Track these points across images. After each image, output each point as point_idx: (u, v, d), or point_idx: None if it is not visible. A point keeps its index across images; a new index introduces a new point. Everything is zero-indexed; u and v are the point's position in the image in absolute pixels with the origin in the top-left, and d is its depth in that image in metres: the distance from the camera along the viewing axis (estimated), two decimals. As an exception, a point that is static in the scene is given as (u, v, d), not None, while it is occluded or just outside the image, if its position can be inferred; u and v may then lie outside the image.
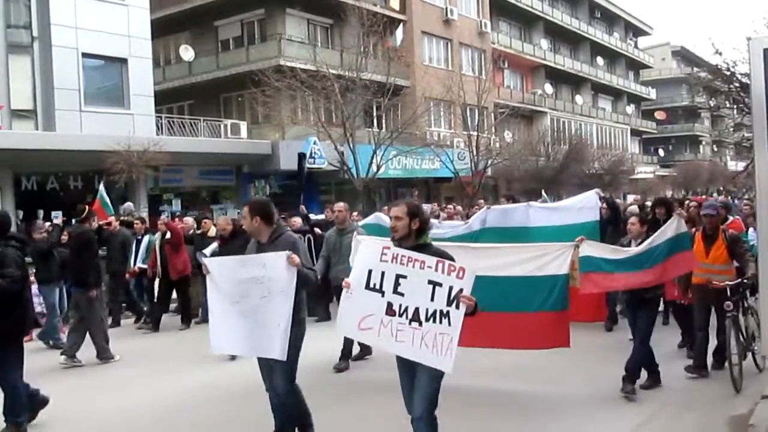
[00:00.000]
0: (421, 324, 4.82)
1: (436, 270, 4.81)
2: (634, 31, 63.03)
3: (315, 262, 10.25)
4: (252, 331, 5.56)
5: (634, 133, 60.03)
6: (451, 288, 4.74)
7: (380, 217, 11.43)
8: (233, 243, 9.93)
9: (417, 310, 4.84)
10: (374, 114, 27.75)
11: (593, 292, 7.48)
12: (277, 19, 28.77)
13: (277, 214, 5.93)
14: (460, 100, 28.29)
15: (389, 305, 4.94)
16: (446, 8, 35.27)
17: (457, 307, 4.72)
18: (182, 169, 24.05)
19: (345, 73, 23.89)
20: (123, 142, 18.88)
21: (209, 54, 30.06)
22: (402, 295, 4.92)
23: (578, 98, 50.12)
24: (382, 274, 4.96)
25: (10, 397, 6.47)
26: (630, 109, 60.31)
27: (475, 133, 28.26)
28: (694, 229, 8.27)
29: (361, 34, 24.86)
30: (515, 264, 7.18)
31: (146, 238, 13.18)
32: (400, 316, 4.90)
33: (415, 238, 4.98)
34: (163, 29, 28.36)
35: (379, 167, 23.97)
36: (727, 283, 7.68)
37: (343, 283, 5.14)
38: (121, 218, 14.54)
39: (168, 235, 12.41)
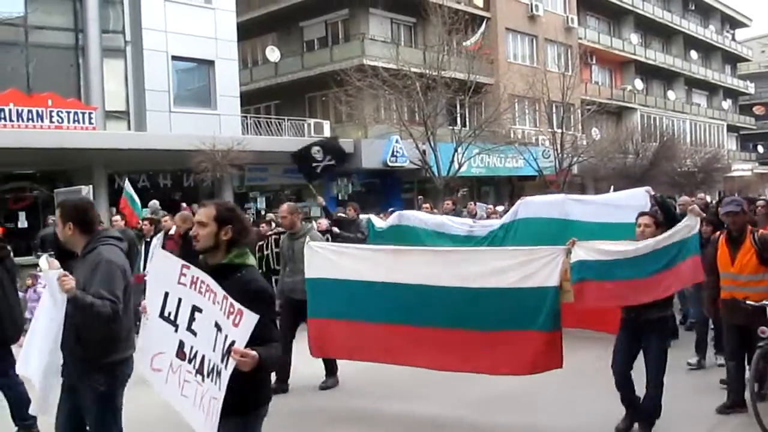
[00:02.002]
0: (203, 380, 3.55)
1: (221, 309, 3.44)
2: (731, 23, 60.64)
3: None
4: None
5: (731, 129, 57.75)
6: (226, 337, 3.40)
7: (404, 217, 11.17)
8: (188, 242, 9.31)
9: (203, 359, 3.56)
10: (457, 112, 27.63)
11: (595, 305, 6.26)
12: (361, 19, 29.02)
13: (99, 219, 4.58)
14: (545, 97, 27.89)
15: (180, 345, 3.68)
16: (531, 4, 34.81)
17: (227, 365, 3.36)
18: (267, 167, 24.55)
19: (426, 71, 23.89)
20: (208, 142, 19.41)
21: (295, 54, 30.59)
22: (195, 334, 3.62)
23: (670, 94, 48.64)
24: (179, 301, 3.68)
25: (18, 400, 6.38)
26: (726, 104, 58.06)
27: (560, 131, 27.81)
28: (719, 233, 6.91)
29: (444, 32, 24.80)
30: (494, 273, 6.01)
31: (155, 240, 11.75)
32: (190, 362, 3.63)
33: (224, 253, 3.68)
34: (250, 31, 29.09)
35: (460, 165, 23.87)
36: (765, 302, 6.16)
37: (140, 307, 3.99)
38: (147, 217, 13.64)
39: (172, 231, 11.27)
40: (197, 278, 3.57)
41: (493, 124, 26.50)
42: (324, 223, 12.58)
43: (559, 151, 27.58)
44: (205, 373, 3.51)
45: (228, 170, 20.31)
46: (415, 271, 6.30)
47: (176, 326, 3.68)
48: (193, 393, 3.56)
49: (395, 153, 25.79)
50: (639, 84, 45.07)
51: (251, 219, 18.58)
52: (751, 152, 62.83)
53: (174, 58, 22.77)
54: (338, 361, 7.97)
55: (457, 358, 6.16)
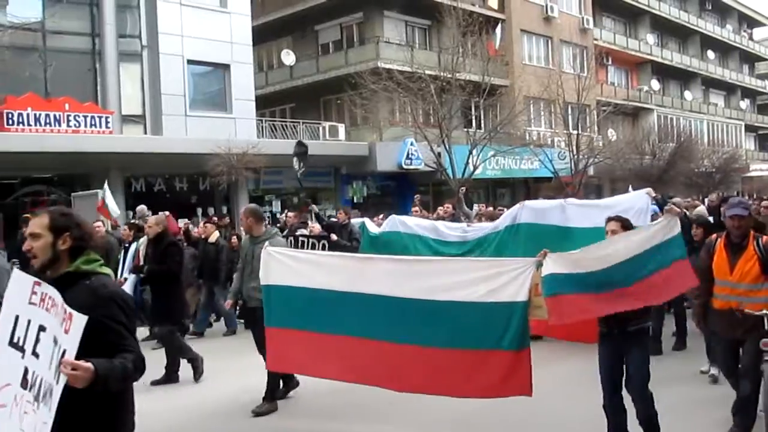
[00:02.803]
0: (38, 406, 3.02)
1: (59, 320, 2.99)
2: (748, 22, 60.14)
3: None
4: None
5: (749, 129, 57.21)
6: (59, 348, 2.95)
7: (400, 223, 10.76)
8: (157, 247, 9.09)
9: (41, 382, 3.05)
10: (472, 114, 27.59)
11: (570, 321, 5.60)
12: (375, 22, 29.06)
13: None
14: (560, 99, 27.79)
15: (25, 372, 3.14)
16: (546, 5, 34.70)
17: (58, 381, 2.89)
18: (282, 170, 24.58)
19: (441, 74, 23.88)
20: (223, 145, 19.51)
21: (310, 58, 30.67)
22: (38, 356, 3.12)
23: (687, 94, 48.32)
24: (28, 323, 3.18)
25: None
26: (744, 104, 57.57)
27: (576, 132, 27.69)
28: (715, 236, 6.39)
29: (458, 34, 24.77)
30: (461, 286, 5.49)
31: (134, 246, 11.64)
32: (30, 389, 3.10)
33: (68, 263, 3.24)
34: (265, 35, 29.20)
35: (475, 167, 23.83)
36: (765, 311, 5.71)
37: None
38: (129, 222, 13.79)
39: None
40: (46, 294, 3.10)
41: (508, 126, 26.41)
42: (317, 227, 12.07)
43: (575, 152, 27.42)
44: (40, 397, 2.99)
45: (243, 174, 20.40)
46: (377, 280, 5.85)
47: (23, 351, 3.17)
48: (32, 425, 3.00)
49: (410, 155, 25.82)
50: (655, 84, 44.81)
51: (267, 221, 18.64)
52: (770, 152, 62.32)
53: (190, 62, 22.94)
54: (301, 380, 7.68)
55: (420, 378, 5.68)
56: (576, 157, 27.43)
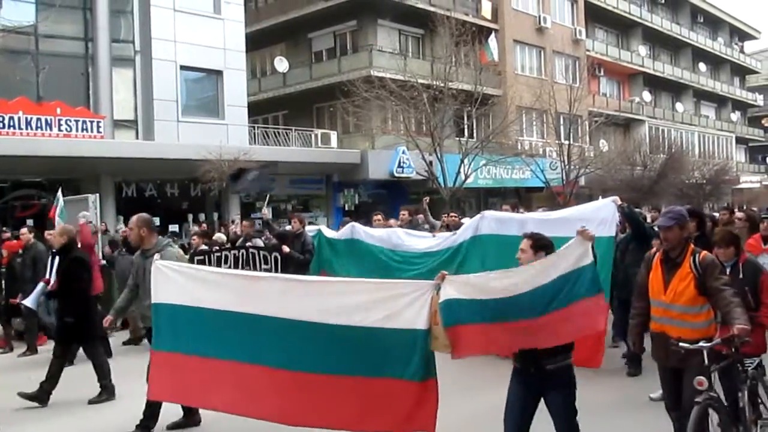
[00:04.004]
0: None
1: None
2: (740, 35, 60.56)
3: None
4: None
5: (740, 141, 57.59)
6: None
7: (356, 231, 10.64)
8: (62, 261, 8.63)
9: None
10: (464, 123, 27.67)
11: (474, 353, 5.05)
12: (369, 31, 29.12)
13: None
14: (552, 109, 27.92)
15: None
16: (539, 16, 34.88)
17: None
18: (273, 177, 24.60)
19: (434, 83, 23.95)
20: (215, 152, 19.49)
21: (303, 65, 30.71)
22: None
23: (679, 106, 48.63)
24: None
25: None
26: (735, 116, 57.95)
27: (568, 142, 27.80)
28: (655, 248, 5.74)
29: (451, 44, 24.86)
30: (358, 309, 4.98)
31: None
32: None
33: None
34: (259, 41, 29.22)
35: (467, 176, 23.88)
36: (703, 344, 4.89)
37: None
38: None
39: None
40: None
41: (500, 136, 26.50)
42: (258, 242, 11.32)
43: (566, 162, 27.55)
44: None
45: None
46: (266, 300, 5.31)
47: None
48: None
49: (402, 164, 25.87)
50: (647, 96, 45.07)
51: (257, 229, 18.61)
52: (760, 164, 62.65)
53: (183, 67, 22.92)
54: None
55: (313, 410, 5.13)
56: (567, 167, 27.55)
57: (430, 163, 23.53)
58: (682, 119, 48.07)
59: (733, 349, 5.05)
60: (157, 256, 6.21)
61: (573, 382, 4.88)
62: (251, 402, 5.39)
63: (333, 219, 25.00)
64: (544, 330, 4.68)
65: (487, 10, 32.16)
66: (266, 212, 12.12)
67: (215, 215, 23.50)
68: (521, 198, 32.38)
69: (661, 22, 46.98)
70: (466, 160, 23.80)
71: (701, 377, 4.78)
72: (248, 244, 10.79)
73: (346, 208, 26.50)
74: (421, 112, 23.98)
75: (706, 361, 4.88)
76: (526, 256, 4.97)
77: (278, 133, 26.58)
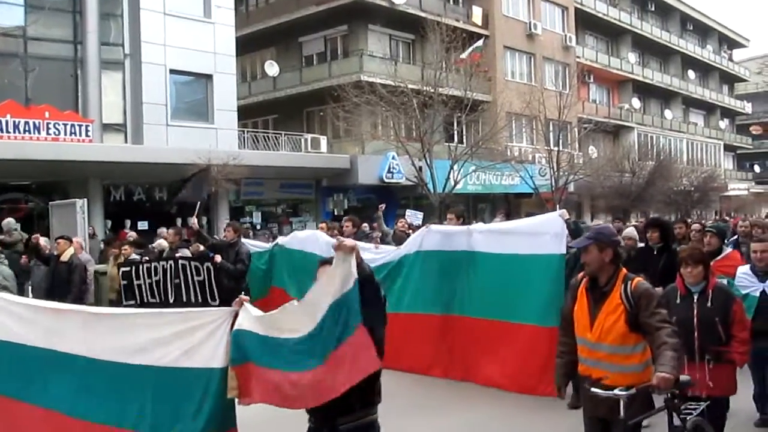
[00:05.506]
0: None
1: None
2: (729, 43, 60.95)
3: (216, 299, 8.54)
4: None
5: (728, 148, 57.91)
6: None
7: (297, 240, 10.36)
8: None
9: None
10: (454, 129, 27.72)
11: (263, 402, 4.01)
12: (360, 35, 29.15)
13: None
14: (542, 115, 28.00)
15: None
16: (530, 23, 35.01)
17: None
18: (263, 181, 24.61)
19: (424, 88, 23.98)
20: (204, 156, 19.42)
21: (293, 69, 30.70)
22: None
23: (668, 113, 48.86)
24: None
25: None
26: (723, 123, 58.30)
27: (557, 149, 27.90)
28: (581, 275, 4.59)
29: (441, 49, 24.90)
30: (154, 345, 4.23)
31: None
32: None
33: None
34: (249, 45, 29.21)
35: (456, 182, 23.91)
36: (618, 391, 4.06)
37: None
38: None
39: None
40: None
41: (490, 142, 26.55)
42: (185, 252, 10.73)
43: (555, 169, 27.64)
44: None
45: (224, 185, 20.33)
46: (71, 336, 4.52)
47: None
48: None
49: (391, 169, 25.92)
50: (636, 103, 45.29)
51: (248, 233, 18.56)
52: (748, 172, 62.97)
53: (172, 71, 22.83)
54: None
55: None
56: (556, 173, 27.65)
57: (420, 168, 23.55)
58: (671, 126, 48.31)
59: (669, 395, 4.26)
60: None
61: None
62: None
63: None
64: (324, 380, 3.79)
65: (477, 16, 32.27)
66: (194, 222, 11.09)
67: (204, 219, 23.41)
68: (510, 204, 32.52)
69: (650, 29, 47.19)
70: (455, 166, 23.83)
71: None
72: (177, 255, 10.16)
73: (335, 213, 26.49)
74: (411, 118, 24.00)
75: (622, 413, 4.05)
76: None
77: (268, 137, 26.55)
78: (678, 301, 5.37)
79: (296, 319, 3.90)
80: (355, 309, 3.73)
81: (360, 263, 3.82)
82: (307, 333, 3.83)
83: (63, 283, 10.85)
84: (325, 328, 3.78)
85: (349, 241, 3.87)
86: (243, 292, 9.63)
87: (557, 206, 26.55)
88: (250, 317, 4.00)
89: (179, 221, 22.34)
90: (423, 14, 27.68)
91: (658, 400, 4.38)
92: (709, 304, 5.24)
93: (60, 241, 11.22)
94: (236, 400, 4.02)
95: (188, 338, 4.10)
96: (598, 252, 4.33)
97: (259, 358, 3.91)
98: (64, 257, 10.86)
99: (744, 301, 5.94)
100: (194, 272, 9.12)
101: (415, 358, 8.21)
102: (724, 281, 5.75)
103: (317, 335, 3.80)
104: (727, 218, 21.09)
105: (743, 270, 6.44)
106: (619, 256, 4.49)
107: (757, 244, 6.41)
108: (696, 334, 5.20)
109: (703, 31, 55.92)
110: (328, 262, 4.04)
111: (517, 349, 7.04)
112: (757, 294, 6.15)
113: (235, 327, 3.99)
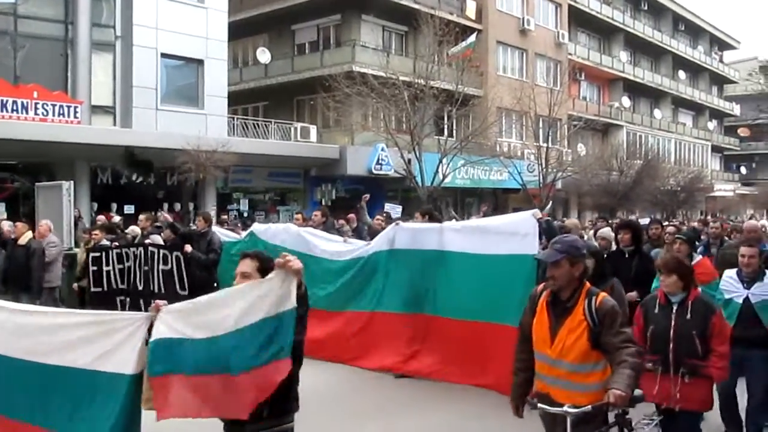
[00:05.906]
0: None
1: None
2: (719, 44, 61.22)
3: (186, 289, 8.38)
4: None
5: (715, 149, 58.25)
6: None
7: (266, 232, 10.06)
8: None
9: None
10: (444, 123, 27.73)
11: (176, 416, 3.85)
12: (353, 25, 29.06)
13: None
14: (532, 111, 28.06)
15: None
16: (523, 18, 35.01)
17: None
18: (251, 169, 24.54)
19: (416, 81, 23.96)
20: (193, 143, 19.37)
21: (285, 57, 30.58)
22: None
23: (657, 112, 49.04)
24: None
25: None
26: (712, 124, 58.60)
27: (546, 145, 27.96)
28: (542, 285, 4.36)
29: (434, 42, 24.88)
30: (67, 347, 4.10)
31: None
32: None
33: None
34: (242, 31, 29.04)
35: (445, 176, 23.95)
36: (568, 408, 3.91)
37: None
38: None
39: None
40: None
41: (480, 136, 26.57)
42: (156, 238, 10.38)
43: (543, 165, 27.72)
44: None
45: (212, 172, 20.29)
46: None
47: None
48: None
49: (380, 161, 25.93)
50: (626, 101, 45.41)
51: (235, 222, 18.55)
52: (734, 173, 63.43)
53: (163, 55, 22.68)
54: None
55: None
56: (545, 170, 27.72)
57: (409, 161, 23.58)
58: (660, 126, 48.49)
59: (620, 411, 4.06)
60: None
61: None
62: None
63: (309, 213, 24.93)
64: (240, 394, 3.68)
65: (471, 10, 32.24)
66: (165, 215, 11.09)
67: (191, 205, 23.36)
68: (498, 199, 32.62)
69: (642, 28, 47.30)
70: (444, 160, 23.86)
71: None
72: (147, 241, 9.92)
73: (323, 203, 26.46)
74: (401, 110, 23.99)
75: (569, 430, 3.86)
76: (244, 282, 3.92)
77: (257, 124, 26.46)
78: (657, 310, 5.26)
79: (215, 315, 3.79)
80: (288, 334, 3.63)
81: (299, 285, 3.72)
82: (223, 334, 3.72)
83: (20, 268, 10.67)
84: (246, 339, 3.67)
85: (296, 263, 3.67)
86: (215, 283, 9.62)
87: (547, 203, 26.76)
88: (166, 322, 3.88)
89: (165, 206, 22.36)
90: (417, 6, 27.61)
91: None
92: (688, 315, 5.08)
93: (18, 224, 11.04)
94: (142, 411, 3.94)
95: (104, 342, 4.00)
96: (570, 266, 4.08)
97: (178, 367, 3.80)
98: (22, 241, 10.69)
99: (726, 307, 5.93)
100: (161, 261, 8.87)
101: (391, 357, 8.19)
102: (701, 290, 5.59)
103: (238, 342, 3.69)
104: (710, 220, 21.16)
105: (729, 274, 6.30)
106: (587, 270, 4.30)
107: (746, 249, 6.24)
108: (672, 345, 5.09)
109: (694, 31, 56.12)
110: (249, 255, 3.97)
111: (492, 349, 6.93)
112: (740, 301, 6.06)
113: (153, 336, 3.87)
